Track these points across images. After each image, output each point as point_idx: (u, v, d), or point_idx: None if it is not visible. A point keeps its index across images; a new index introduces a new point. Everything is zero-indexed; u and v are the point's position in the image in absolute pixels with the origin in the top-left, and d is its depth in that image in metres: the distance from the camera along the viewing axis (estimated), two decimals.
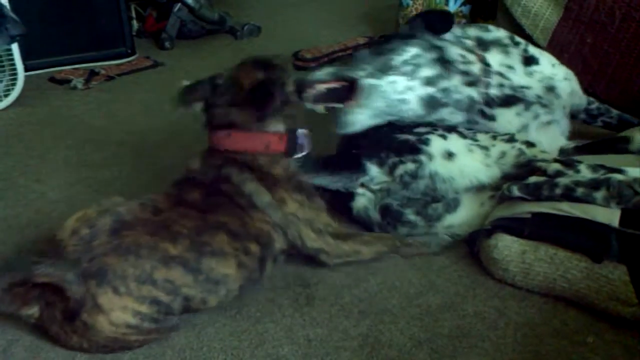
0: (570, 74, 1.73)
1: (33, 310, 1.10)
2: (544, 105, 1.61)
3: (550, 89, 1.64)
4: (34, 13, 2.61)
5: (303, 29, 3.43)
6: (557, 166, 1.39)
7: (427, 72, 1.49)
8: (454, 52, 1.54)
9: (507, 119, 1.58)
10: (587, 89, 1.87)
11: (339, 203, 1.51)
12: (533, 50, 1.68)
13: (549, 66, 1.68)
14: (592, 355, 1.14)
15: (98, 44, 2.82)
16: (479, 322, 1.22)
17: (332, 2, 3.99)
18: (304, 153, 1.36)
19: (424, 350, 1.15)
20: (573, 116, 1.75)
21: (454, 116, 1.53)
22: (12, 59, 2.26)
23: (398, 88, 1.47)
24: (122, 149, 1.97)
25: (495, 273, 1.34)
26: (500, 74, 1.59)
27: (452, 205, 1.46)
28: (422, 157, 1.45)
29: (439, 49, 1.53)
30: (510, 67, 1.61)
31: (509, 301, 1.27)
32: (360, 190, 1.51)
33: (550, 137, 1.64)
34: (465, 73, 1.52)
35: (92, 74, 2.61)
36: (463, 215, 1.47)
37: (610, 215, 1.25)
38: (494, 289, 1.32)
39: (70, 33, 2.74)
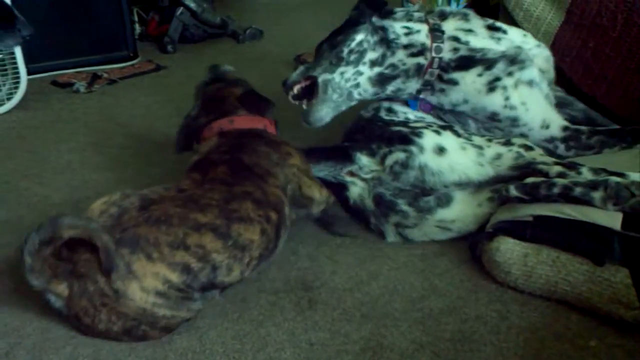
0: (543, 45, 1.76)
1: (62, 287, 1.11)
2: (513, 62, 1.59)
3: (520, 51, 1.63)
4: (37, 16, 2.61)
5: (304, 32, 3.43)
6: (558, 168, 1.39)
7: (372, 55, 1.60)
8: (397, 28, 1.61)
9: (470, 80, 1.59)
10: (587, 93, 1.87)
11: (336, 194, 1.55)
12: (503, 25, 1.71)
13: (519, 36, 1.71)
14: (594, 359, 1.13)
15: (100, 48, 2.84)
16: (481, 326, 1.22)
17: (333, 6, 3.98)
18: None
19: (426, 354, 1.15)
20: None
21: (408, 84, 1.62)
22: (15, 63, 2.27)
23: (348, 77, 1.58)
24: (125, 152, 1.98)
25: (497, 276, 1.34)
26: (455, 38, 1.61)
27: (444, 200, 1.48)
28: (413, 148, 1.49)
29: (382, 29, 1.60)
30: (469, 31, 1.64)
31: (511, 305, 1.27)
32: (349, 178, 1.55)
33: (536, 103, 1.60)
34: (410, 45, 1.59)
35: (95, 77, 2.62)
36: (457, 212, 1.48)
37: (612, 219, 1.25)
38: (495, 292, 1.31)
39: (72, 37, 2.75)
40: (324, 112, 1.59)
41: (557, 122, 1.61)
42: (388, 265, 1.41)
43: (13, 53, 2.24)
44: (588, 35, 1.98)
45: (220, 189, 1.24)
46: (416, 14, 1.66)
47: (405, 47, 1.59)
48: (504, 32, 1.68)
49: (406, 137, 1.51)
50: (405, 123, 1.59)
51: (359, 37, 1.60)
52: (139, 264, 1.10)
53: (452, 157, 1.48)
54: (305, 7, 4.17)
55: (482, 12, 2.66)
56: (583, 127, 1.62)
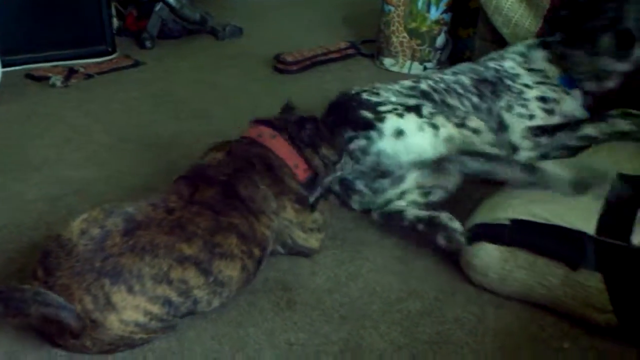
0: None
1: (33, 320, 1.07)
2: None
3: None
4: (13, 9, 2.58)
5: (284, 31, 3.43)
6: None
7: None
8: None
9: None
10: None
11: None
12: None
13: None
14: None
15: (78, 42, 2.78)
16: (459, 328, 1.23)
17: (314, 6, 3.99)
18: (312, 194, 1.45)
19: (404, 355, 1.16)
20: None
21: None
22: None
23: None
24: (102, 149, 1.95)
25: (474, 279, 1.36)
26: None
27: (398, 181, 1.55)
28: (373, 134, 1.55)
29: None
30: None
31: (488, 307, 1.29)
32: None
33: None
34: None
35: (71, 72, 2.57)
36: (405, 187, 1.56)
37: (587, 222, 1.28)
38: (473, 295, 1.33)
39: (49, 29, 2.69)
40: None
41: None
42: (367, 266, 1.42)
43: None
44: None
45: (207, 215, 1.19)
46: None
47: None
48: None
49: (369, 123, 1.56)
50: (375, 106, 1.61)
51: None
52: (119, 296, 1.06)
53: (409, 139, 1.54)
54: (285, 6, 4.15)
55: (462, 17, 2.70)
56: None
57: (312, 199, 1.44)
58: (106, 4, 2.86)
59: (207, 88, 2.52)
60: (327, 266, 1.42)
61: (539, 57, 1.85)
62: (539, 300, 1.29)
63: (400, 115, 1.57)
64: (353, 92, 1.72)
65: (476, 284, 1.36)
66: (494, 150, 1.55)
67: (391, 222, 1.52)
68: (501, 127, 1.74)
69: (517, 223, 1.34)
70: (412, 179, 1.55)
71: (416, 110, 1.59)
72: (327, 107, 1.72)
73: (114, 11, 3.20)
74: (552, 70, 1.82)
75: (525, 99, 1.76)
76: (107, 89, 2.48)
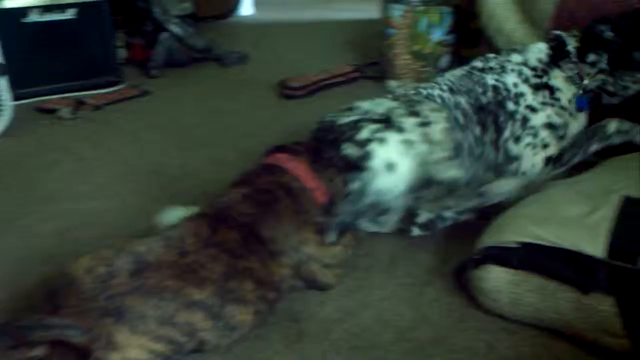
0: None
1: (40, 351, 1.05)
2: None
3: None
4: (22, 42, 2.62)
5: (289, 57, 3.46)
6: None
7: None
8: None
9: None
10: None
11: None
12: None
13: None
14: None
15: (85, 73, 2.84)
16: (471, 356, 1.22)
17: (317, 31, 4.04)
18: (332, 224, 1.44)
19: None
20: None
21: None
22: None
23: None
24: (111, 181, 1.97)
25: (485, 304, 1.34)
26: None
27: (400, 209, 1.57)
28: (366, 176, 1.52)
29: None
30: None
31: (499, 334, 1.28)
32: None
33: None
34: None
35: (80, 103, 2.61)
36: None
37: (596, 245, 1.27)
38: (484, 321, 1.32)
39: (57, 62, 2.75)
40: None
41: None
42: (376, 294, 1.41)
43: None
44: None
45: (223, 260, 1.17)
46: None
47: None
48: None
49: (357, 165, 1.53)
50: (353, 133, 1.57)
51: None
52: (122, 336, 1.05)
53: (401, 168, 1.53)
54: (289, 31, 4.20)
55: (465, 38, 2.72)
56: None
57: (334, 232, 1.42)
58: (112, 35, 2.91)
59: (214, 116, 2.54)
60: (337, 295, 1.41)
61: (557, 75, 1.77)
62: (552, 325, 1.28)
63: (382, 141, 1.54)
64: (328, 120, 1.66)
65: (487, 310, 1.34)
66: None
67: (433, 229, 1.54)
68: (509, 158, 1.72)
69: (525, 246, 1.33)
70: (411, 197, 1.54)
71: (388, 122, 1.57)
72: (307, 148, 1.64)
73: (120, 41, 3.25)
74: (567, 88, 1.75)
75: (532, 127, 1.72)
76: (115, 119, 2.51)
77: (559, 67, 1.76)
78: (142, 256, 1.13)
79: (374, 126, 1.57)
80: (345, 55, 3.37)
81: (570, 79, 1.75)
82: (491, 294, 1.32)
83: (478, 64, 1.82)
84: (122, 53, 3.23)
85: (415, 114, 1.61)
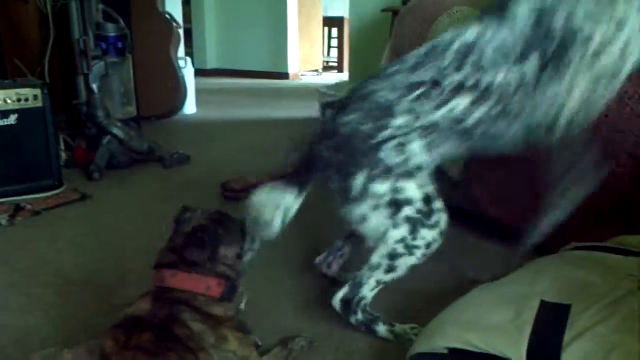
0: None
1: None
2: None
3: None
4: None
5: (230, 157, 3.55)
6: None
7: None
8: None
9: None
10: None
11: None
12: None
13: None
14: None
15: (25, 177, 2.83)
16: None
17: (259, 130, 4.17)
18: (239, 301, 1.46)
19: None
20: None
21: None
22: None
23: None
24: (47, 292, 1.94)
25: None
26: None
27: None
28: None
29: None
30: None
31: None
32: None
33: None
34: None
35: (18, 209, 2.59)
36: None
37: (517, 350, 1.34)
38: None
39: None
40: None
41: None
42: None
43: None
44: None
45: (142, 359, 1.21)
46: None
47: None
48: None
49: (396, 203, 1.56)
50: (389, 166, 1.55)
51: None
52: None
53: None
54: (230, 131, 4.33)
55: None
56: None
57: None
58: (54, 139, 2.93)
59: (156, 221, 2.55)
60: None
61: None
62: None
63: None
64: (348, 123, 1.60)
65: None
66: None
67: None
68: None
69: (453, 352, 1.40)
70: None
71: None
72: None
73: (62, 144, 3.28)
74: None
75: None
76: (54, 226, 2.50)
77: None
78: None
79: None
80: (286, 153, 3.48)
81: None
82: None
83: None
84: (64, 156, 3.25)
85: None
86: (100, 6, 3.24)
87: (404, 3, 3.87)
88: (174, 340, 1.27)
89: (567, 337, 1.31)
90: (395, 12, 4.04)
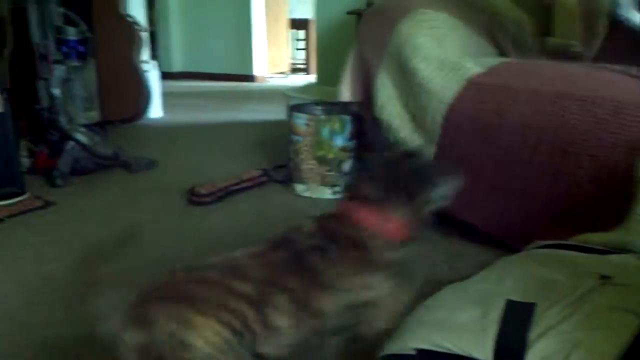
0: None
1: None
2: None
3: None
4: None
5: (198, 160, 3.53)
6: None
7: None
8: None
9: None
10: None
11: None
12: None
13: None
14: None
15: None
16: None
17: (226, 133, 4.15)
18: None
19: None
20: None
21: None
22: None
23: None
24: (10, 302, 1.89)
25: None
26: None
27: None
28: None
29: None
30: None
31: None
32: None
33: None
34: None
35: None
36: None
37: (486, 351, 1.36)
38: None
39: None
40: None
41: None
42: None
43: None
44: None
45: (265, 270, 1.20)
46: None
47: None
48: None
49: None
50: None
51: None
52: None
53: None
54: (197, 134, 4.30)
55: (364, 144, 2.89)
56: None
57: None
58: (15, 145, 2.87)
59: (121, 226, 2.53)
60: None
61: None
62: None
63: None
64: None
65: None
66: None
67: None
68: None
69: (421, 353, 1.40)
70: None
71: None
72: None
73: (24, 150, 3.22)
74: None
75: None
76: (16, 234, 2.44)
77: None
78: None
79: None
80: (253, 157, 3.48)
81: None
82: None
83: None
84: (26, 162, 3.19)
85: None
86: (61, 9, 3.18)
87: (369, 5, 3.89)
88: (306, 269, 1.22)
89: (532, 335, 1.33)
90: (360, 15, 4.06)
